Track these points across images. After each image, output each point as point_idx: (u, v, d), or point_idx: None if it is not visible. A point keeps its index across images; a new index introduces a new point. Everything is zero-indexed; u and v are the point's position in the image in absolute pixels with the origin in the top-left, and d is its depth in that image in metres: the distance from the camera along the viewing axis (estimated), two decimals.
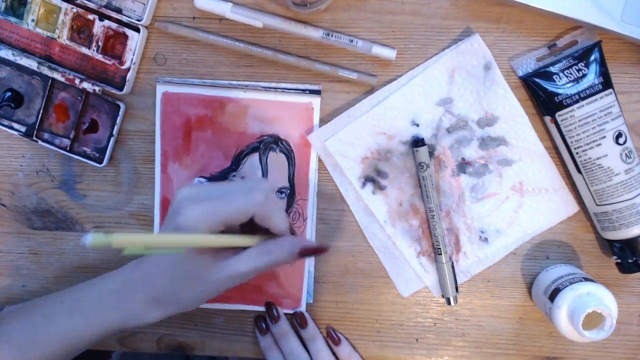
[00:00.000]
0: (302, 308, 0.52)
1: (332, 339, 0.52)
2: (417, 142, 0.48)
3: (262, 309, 0.52)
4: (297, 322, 0.52)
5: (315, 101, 0.49)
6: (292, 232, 0.50)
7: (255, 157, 0.50)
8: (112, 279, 0.44)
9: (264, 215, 0.40)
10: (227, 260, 0.40)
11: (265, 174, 0.50)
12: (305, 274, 0.51)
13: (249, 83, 0.50)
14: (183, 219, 0.38)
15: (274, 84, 0.50)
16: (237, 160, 0.50)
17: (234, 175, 0.50)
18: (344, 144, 0.50)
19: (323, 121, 0.50)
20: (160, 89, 0.50)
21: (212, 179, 0.50)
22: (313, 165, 0.50)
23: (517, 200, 0.50)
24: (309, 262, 0.51)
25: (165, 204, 0.51)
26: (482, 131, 0.49)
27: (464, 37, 0.48)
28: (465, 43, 0.48)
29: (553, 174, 0.50)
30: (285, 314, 0.52)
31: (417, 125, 0.49)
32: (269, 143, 0.50)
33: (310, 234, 0.51)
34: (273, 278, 0.52)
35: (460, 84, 0.49)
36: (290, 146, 0.50)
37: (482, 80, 0.48)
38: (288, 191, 0.51)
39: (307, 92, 0.49)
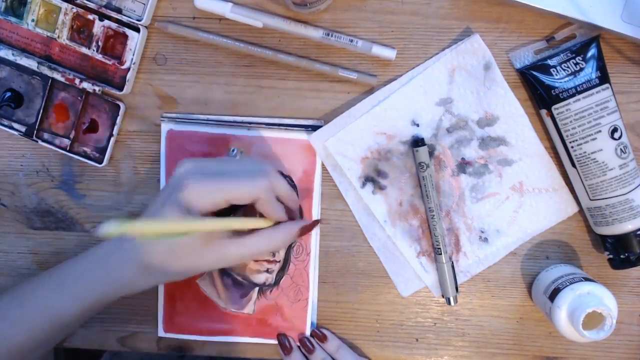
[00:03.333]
0: None
1: (317, 337, 0.51)
2: (417, 142, 0.48)
3: (266, 341, 0.52)
4: (309, 344, 0.51)
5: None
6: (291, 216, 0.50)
7: None
8: (100, 248, 0.45)
9: (267, 201, 0.40)
10: (221, 244, 0.40)
11: None
12: (309, 305, 0.51)
13: (252, 120, 0.50)
14: (186, 195, 0.38)
15: (276, 120, 0.50)
16: None
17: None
18: (344, 144, 0.50)
19: (323, 121, 0.50)
20: (165, 128, 0.50)
21: (217, 214, 0.50)
22: (316, 199, 0.50)
23: (517, 200, 0.50)
24: (312, 293, 0.51)
25: None
26: (482, 131, 0.49)
27: (464, 37, 0.48)
28: (465, 43, 0.48)
29: (553, 174, 0.50)
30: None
31: (417, 125, 0.49)
32: None
33: (313, 267, 0.51)
34: (277, 311, 0.52)
35: (460, 84, 0.49)
36: (293, 182, 0.50)
37: (482, 80, 0.48)
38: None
39: (310, 129, 0.50)
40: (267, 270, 0.51)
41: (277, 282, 0.51)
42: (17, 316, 0.45)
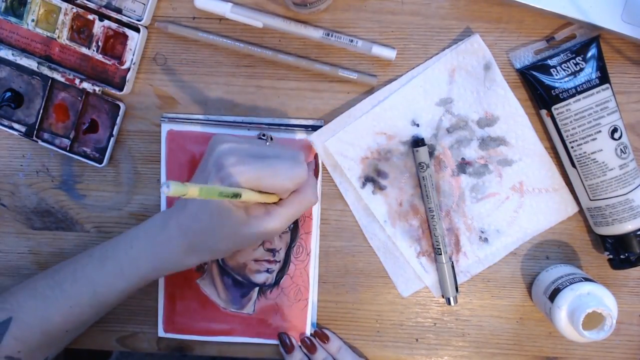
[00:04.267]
0: None
1: (319, 336, 0.51)
2: (417, 142, 0.48)
3: (267, 341, 0.52)
4: (311, 344, 0.51)
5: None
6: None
7: None
8: (142, 230, 0.45)
9: (298, 190, 0.43)
10: (260, 219, 0.41)
11: None
12: (309, 305, 0.51)
13: (252, 120, 0.50)
14: (226, 176, 0.39)
15: (277, 120, 0.50)
16: None
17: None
18: (344, 144, 0.50)
19: (323, 121, 0.50)
20: (165, 128, 0.50)
21: None
22: None
23: (517, 200, 0.50)
24: (312, 293, 0.52)
25: None
26: (482, 131, 0.49)
27: (464, 37, 0.48)
28: (465, 43, 0.48)
29: (553, 174, 0.50)
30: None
31: (417, 125, 0.49)
32: None
33: (313, 267, 0.51)
34: (277, 311, 0.52)
35: (460, 84, 0.49)
36: None
37: (482, 80, 0.48)
38: (291, 225, 0.51)
39: (310, 128, 0.50)
40: (267, 270, 0.51)
41: (277, 282, 0.51)
42: (55, 295, 0.45)
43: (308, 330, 0.52)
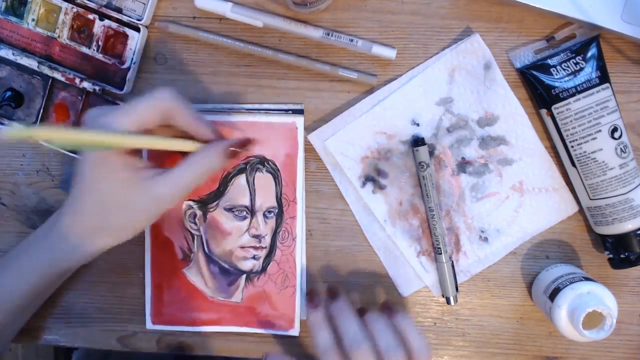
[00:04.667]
0: (296, 328, 0.51)
1: (331, 293, 0.48)
2: (417, 142, 0.48)
3: (255, 330, 0.52)
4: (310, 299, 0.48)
5: (299, 121, 0.49)
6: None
7: (242, 178, 0.50)
8: (40, 229, 0.46)
9: (176, 112, 0.39)
10: (148, 180, 0.38)
11: (252, 194, 0.50)
12: (297, 292, 0.51)
13: (233, 106, 0.50)
14: (95, 126, 0.37)
15: (257, 106, 0.50)
16: (225, 182, 0.50)
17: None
18: (344, 144, 0.50)
19: (323, 120, 0.50)
20: None
21: (201, 202, 0.51)
22: (300, 183, 0.50)
23: (517, 200, 0.50)
24: (301, 280, 0.51)
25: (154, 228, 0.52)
26: (482, 131, 0.49)
27: (464, 36, 0.48)
28: (465, 43, 0.48)
29: (553, 173, 0.50)
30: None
31: (417, 124, 0.49)
32: (255, 164, 0.50)
33: (300, 252, 0.51)
34: (265, 299, 0.52)
35: (460, 84, 0.49)
36: (276, 166, 0.50)
37: (482, 79, 0.48)
38: (276, 210, 0.51)
39: (290, 112, 0.50)
40: (254, 257, 0.51)
41: (264, 269, 0.51)
42: None
43: (297, 319, 0.51)
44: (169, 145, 0.39)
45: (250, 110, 0.50)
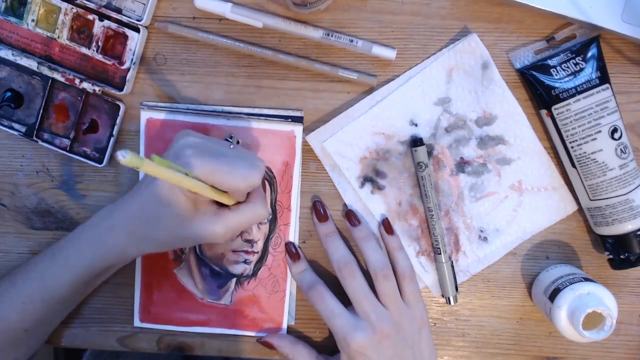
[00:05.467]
0: (284, 331, 0.52)
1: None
2: (416, 142, 0.48)
3: (242, 332, 0.52)
4: (355, 218, 0.50)
5: (298, 129, 0.50)
6: None
7: None
8: (90, 220, 0.46)
9: (249, 200, 0.43)
10: (205, 218, 0.41)
11: None
12: (286, 297, 0.51)
13: (231, 109, 0.50)
14: (182, 165, 0.39)
15: (256, 111, 0.50)
16: None
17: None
18: (343, 144, 0.50)
19: (322, 121, 0.50)
20: (145, 115, 0.50)
21: None
22: (295, 191, 0.50)
23: (516, 199, 0.50)
24: (290, 285, 0.51)
25: None
26: (480, 130, 0.49)
27: (462, 37, 0.48)
28: (463, 42, 0.48)
29: (552, 172, 0.50)
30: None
31: (416, 125, 0.49)
32: None
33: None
34: (254, 302, 0.52)
35: (458, 84, 0.49)
36: (272, 173, 0.50)
37: (480, 79, 0.48)
38: (270, 217, 0.51)
39: (290, 119, 0.50)
40: (245, 261, 0.51)
41: (254, 273, 0.51)
42: (9, 294, 0.46)
43: (285, 322, 0.52)
44: (216, 195, 0.41)
45: (249, 116, 0.50)
